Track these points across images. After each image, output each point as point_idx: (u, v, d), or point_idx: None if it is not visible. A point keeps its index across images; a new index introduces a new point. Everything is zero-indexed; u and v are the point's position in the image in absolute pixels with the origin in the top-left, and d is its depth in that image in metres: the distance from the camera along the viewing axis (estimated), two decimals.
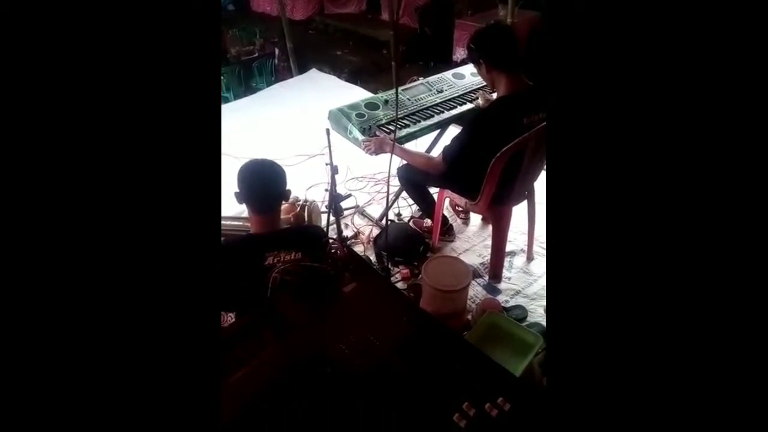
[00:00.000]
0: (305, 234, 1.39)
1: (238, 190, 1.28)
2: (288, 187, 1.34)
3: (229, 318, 1.42)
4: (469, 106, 2.07)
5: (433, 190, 2.09)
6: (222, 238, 1.53)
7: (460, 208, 2.32)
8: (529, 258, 2.11)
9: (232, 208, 2.18)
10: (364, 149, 1.85)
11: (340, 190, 1.98)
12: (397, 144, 1.78)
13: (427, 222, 2.22)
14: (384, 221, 2.20)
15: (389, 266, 2.04)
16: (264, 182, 1.28)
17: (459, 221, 2.33)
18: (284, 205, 2.21)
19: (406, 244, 2.10)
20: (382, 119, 1.93)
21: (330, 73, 4.16)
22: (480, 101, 2.05)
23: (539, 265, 2.07)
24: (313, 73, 4.12)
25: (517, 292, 1.95)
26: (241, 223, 1.95)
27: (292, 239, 1.28)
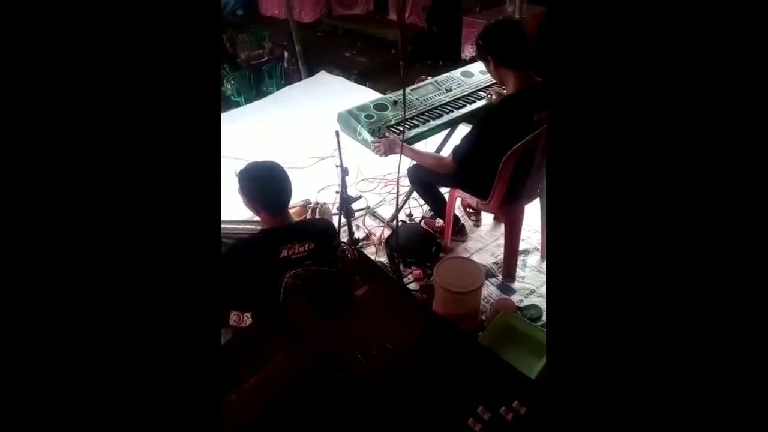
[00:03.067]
0: (317, 226, 1.42)
1: (246, 190, 1.29)
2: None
3: (246, 318, 1.44)
4: (478, 104, 2.05)
5: (444, 190, 2.08)
6: (233, 241, 1.56)
7: (471, 210, 2.30)
8: (543, 256, 2.08)
9: (244, 212, 2.22)
10: (373, 150, 1.85)
11: (351, 191, 1.98)
12: (406, 144, 1.77)
13: (439, 222, 2.21)
14: (395, 222, 2.19)
15: (401, 267, 2.03)
16: (277, 184, 1.30)
17: (470, 223, 2.31)
18: (296, 208, 2.22)
19: (418, 245, 2.09)
20: (391, 120, 1.93)
21: (339, 75, 4.17)
22: (494, 96, 2.02)
23: None
24: (323, 75, 4.13)
25: (532, 291, 1.93)
26: (252, 227, 1.96)
27: (304, 231, 1.32)
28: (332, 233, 1.41)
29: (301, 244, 1.24)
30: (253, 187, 1.29)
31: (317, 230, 1.37)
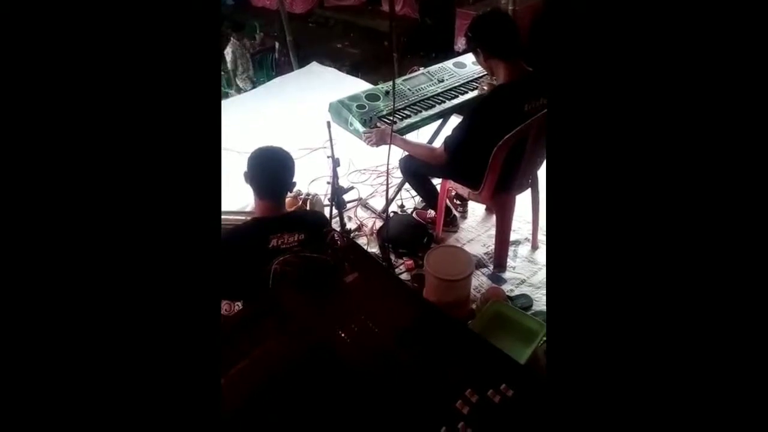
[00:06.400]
0: (308, 217, 1.42)
1: (247, 170, 1.32)
2: (294, 180, 1.38)
3: (237, 307, 1.44)
4: (470, 95, 2.05)
5: (436, 181, 2.08)
6: (223, 231, 1.55)
7: (458, 201, 2.31)
8: (534, 247, 2.10)
9: (236, 202, 2.21)
10: (365, 141, 1.85)
11: (343, 182, 1.98)
12: (398, 135, 1.77)
13: (431, 213, 2.22)
14: (386, 213, 2.20)
15: (392, 258, 2.04)
16: (274, 169, 1.32)
17: (457, 214, 2.31)
18: (287, 199, 2.22)
19: (410, 236, 2.10)
20: (382, 110, 1.92)
21: (331, 66, 4.14)
22: (485, 87, 2.03)
23: (544, 254, 2.06)
24: (314, 67, 4.10)
25: (522, 281, 1.95)
26: (244, 218, 1.96)
27: (295, 221, 1.32)
28: (323, 223, 1.42)
29: (291, 235, 1.25)
30: (250, 170, 1.31)
31: (309, 221, 1.38)
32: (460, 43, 4.08)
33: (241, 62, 3.86)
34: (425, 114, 1.95)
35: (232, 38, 3.83)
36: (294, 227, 1.26)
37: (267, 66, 4.14)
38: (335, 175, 1.87)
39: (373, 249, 2.13)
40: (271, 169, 1.31)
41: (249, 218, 1.53)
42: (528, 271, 2.00)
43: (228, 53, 3.80)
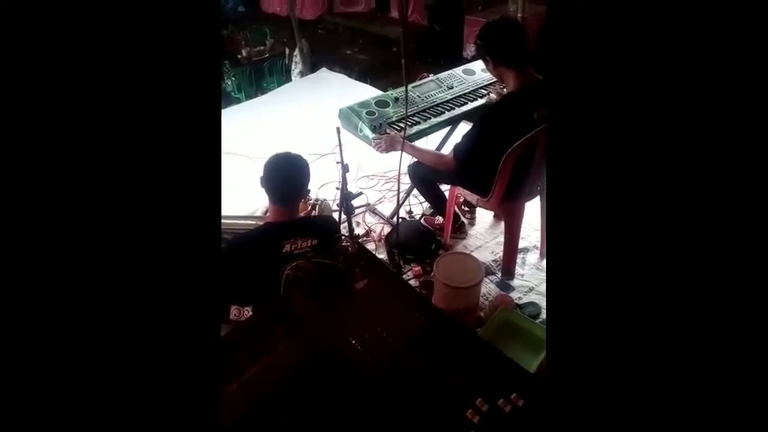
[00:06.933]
0: (320, 222, 1.44)
1: (263, 175, 1.34)
2: (308, 187, 1.40)
3: (246, 312, 1.45)
4: (480, 102, 2.06)
5: (444, 188, 2.08)
6: (233, 236, 1.56)
7: (467, 208, 2.30)
8: (542, 254, 2.09)
9: (246, 206, 2.22)
10: (374, 147, 1.85)
11: (352, 188, 1.98)
12: (407, 142, 1.78)
13: (439, 219, 2.22)
14: (395, 219, 2.20)
15: (401, 264, 2.04)
16: (291, 174, 1.34)
17: (465, 220, 2.31)
18: None
19: (418, 242, 2.10)
20: (392, 117, 1.93)
21: (340, 72, 4.17)
22: (493, 96, 2.03)
23: None
24: (324, 73, 4.13)
25: (531, 289, 1.94)
26: (254, 222, 1.97)
27: (308, 226, 1.34)
28: (335, 229, 1.43)
29: (304, 240, 1.26)
30: (266, 174, 1.33)
31: (321, 226, 1.40)
32: (469, 49, 4.09)
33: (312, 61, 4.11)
34: (435, 121, 1.95)
35: (303, 38, 4.05)
36: (307, 232, 1.28)
37: (277, 72, 4.17)
38: (344, 181, 1.88)
39: (381, 255, 2.13)
40: (287, 174, 1.33)
41: (260, 223, 1.55)
42: (536, 278, 1.99)
43: (303, 51, 4.07)
